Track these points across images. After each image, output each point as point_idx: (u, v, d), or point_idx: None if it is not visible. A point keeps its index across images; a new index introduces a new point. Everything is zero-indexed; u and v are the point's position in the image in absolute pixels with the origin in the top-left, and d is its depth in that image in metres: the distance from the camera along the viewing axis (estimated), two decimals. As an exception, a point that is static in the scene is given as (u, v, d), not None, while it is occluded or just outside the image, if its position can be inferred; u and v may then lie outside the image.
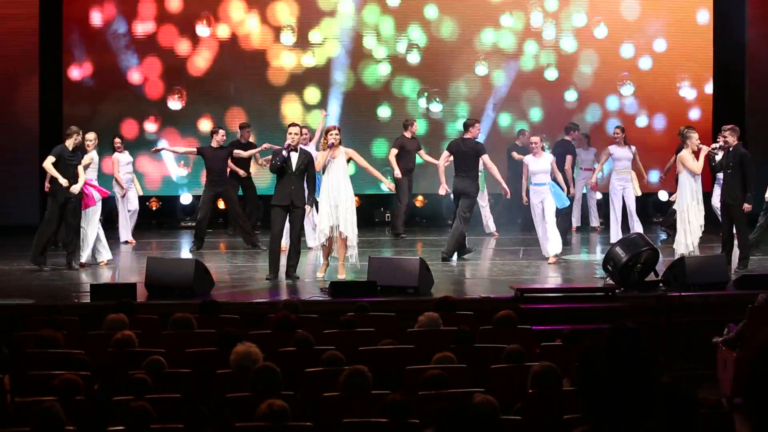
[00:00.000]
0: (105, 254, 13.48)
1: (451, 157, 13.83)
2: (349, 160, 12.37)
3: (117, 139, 15.87)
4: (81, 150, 13.07)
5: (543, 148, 14.01)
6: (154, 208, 18.06)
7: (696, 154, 12.78)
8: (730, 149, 12.71)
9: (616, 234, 14.47)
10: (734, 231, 12.71)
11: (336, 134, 12.18)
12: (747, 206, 12.57)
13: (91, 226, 13.19)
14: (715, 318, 10.05)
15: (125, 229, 15.63)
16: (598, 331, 3.29)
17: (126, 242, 15.55)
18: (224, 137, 15.01)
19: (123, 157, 15.75)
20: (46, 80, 17.26)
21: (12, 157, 17.02)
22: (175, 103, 17.76)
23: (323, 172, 12.17)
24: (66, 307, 9.66)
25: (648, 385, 2.95)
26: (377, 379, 6.64)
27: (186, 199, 17.86)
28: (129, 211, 15.70)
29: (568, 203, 14.16)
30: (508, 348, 7.44)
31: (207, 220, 14.80)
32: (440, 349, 7.50)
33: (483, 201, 16.01)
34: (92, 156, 13.29)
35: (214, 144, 14.92)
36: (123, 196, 15.55)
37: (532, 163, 13.71)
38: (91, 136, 13.36)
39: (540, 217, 13.62)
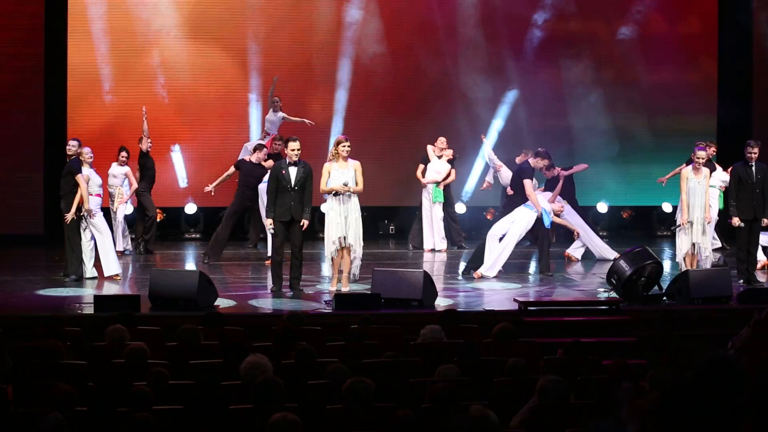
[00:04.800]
0: (114, 267, 13.01)
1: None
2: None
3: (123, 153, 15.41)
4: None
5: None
6: (158, 220, 17.98)
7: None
8: (753, 165, 12.63)
9: None
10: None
11: (348, 146, 12.09)
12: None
13: (105, 235, 12.96)
14: (719, 332, 10.03)
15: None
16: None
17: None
18: (266, 155, 15.00)
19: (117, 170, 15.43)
20: (50, 88, 17.24)
21: (16, 167, 16.96)
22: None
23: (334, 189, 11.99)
24: (70, 318, 9.66)
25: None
26: (380, 392, 6.63)
27: (190, 209, 17.83)
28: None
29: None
30: (510, 361, 7.43)
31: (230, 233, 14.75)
32: (444, 361, 7.50)
33: (439, 213, 15.95)
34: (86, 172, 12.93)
35: (254, 159, 14.93)
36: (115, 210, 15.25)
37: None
38: (85, 150, 13.06)
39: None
